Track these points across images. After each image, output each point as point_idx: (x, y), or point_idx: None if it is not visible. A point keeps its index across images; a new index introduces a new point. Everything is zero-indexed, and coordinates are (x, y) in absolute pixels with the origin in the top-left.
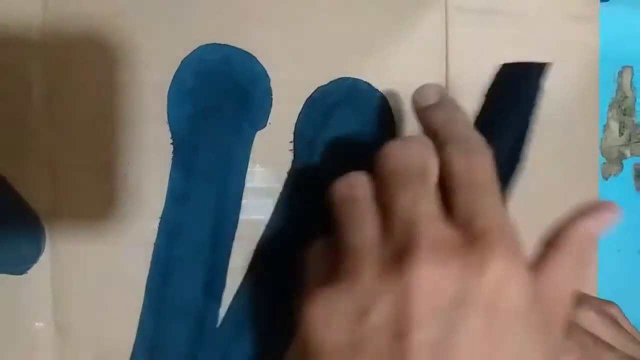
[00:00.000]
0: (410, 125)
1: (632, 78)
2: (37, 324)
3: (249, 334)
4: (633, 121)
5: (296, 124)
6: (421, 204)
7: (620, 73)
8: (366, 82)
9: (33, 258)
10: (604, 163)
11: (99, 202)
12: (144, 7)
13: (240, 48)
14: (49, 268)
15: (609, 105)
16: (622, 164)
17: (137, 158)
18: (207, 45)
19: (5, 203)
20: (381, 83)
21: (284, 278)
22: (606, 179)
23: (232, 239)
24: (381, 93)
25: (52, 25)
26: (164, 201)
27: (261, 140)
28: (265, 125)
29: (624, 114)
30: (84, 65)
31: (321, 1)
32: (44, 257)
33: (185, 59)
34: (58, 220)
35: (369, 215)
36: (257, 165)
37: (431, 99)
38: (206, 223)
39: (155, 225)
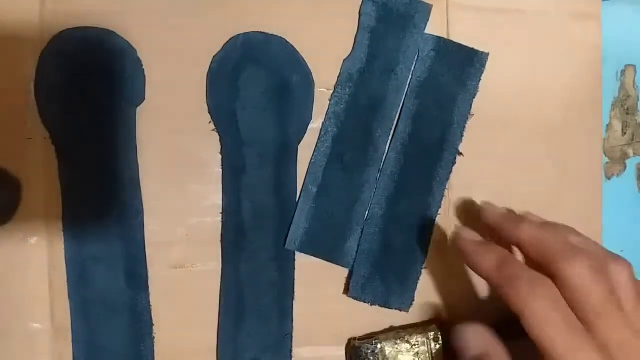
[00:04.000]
0: (322, 63)
1: (635, 77)
2: (34, 325)
3: None
4: (636, 120)
5: (207, 102)
6: None
7: (623, 72)
8: (259, 32)
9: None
10: (606, 163)
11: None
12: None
13: (97, 27)
14: (46, 269)
15: (612, 105)
16: (625, 164)
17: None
18: (60, 32)
19: None
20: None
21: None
22: (609, 179)
23: (142, 224)
24: (280, 37)
25: (49, 23)
26: (158, 200)
27: None
28: (144, 100)
29: (627, 113)
30: None
31: None
32: (42, 259)
33: (42, 53)
34: (56, 220)
35: None
36: None
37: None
38: (111, 214)
39: (153, 225)
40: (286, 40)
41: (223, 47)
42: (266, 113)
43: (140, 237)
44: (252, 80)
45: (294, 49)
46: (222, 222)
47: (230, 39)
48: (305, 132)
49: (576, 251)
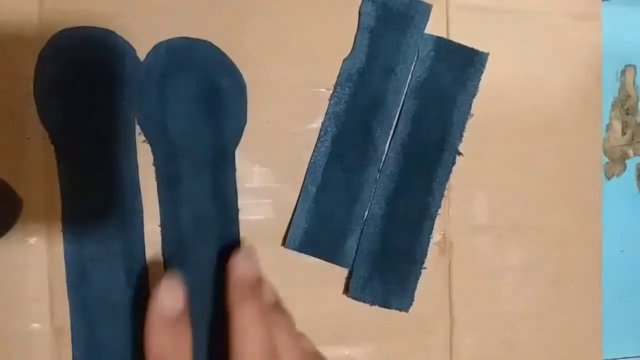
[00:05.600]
0: (322, 63)
1: (635, 77)
2: (33, 324)
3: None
4: (636, 120)
5: (136, 113)
6: None
7: (623, 72)
8: (182, 37)
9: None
10: (606, 163)
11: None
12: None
13: (96, 27)
14: (46, 269)
15: (612, 105)
16: (625, 164)
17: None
18: (59, 32)
19: None
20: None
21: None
22: (609, 179)
23: (142, 224)
24: (205, 40)
25: (48, 23)
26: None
27: (260, 141)
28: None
29: (627, 113)
30: None
31: None
32: (41, 260)
33: (41, 52)
34: (55, 220)
35: None
36: (257, 165)
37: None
38: (110, 214)
39: (152, 226)
40: (211, 43)
41: (146, 55)
42: (198, 120)
43: (140, 236)
44: (180, 87)
45: (220, 51)
46: (161, 234)
47: (154, 46)
48: (241, 135)
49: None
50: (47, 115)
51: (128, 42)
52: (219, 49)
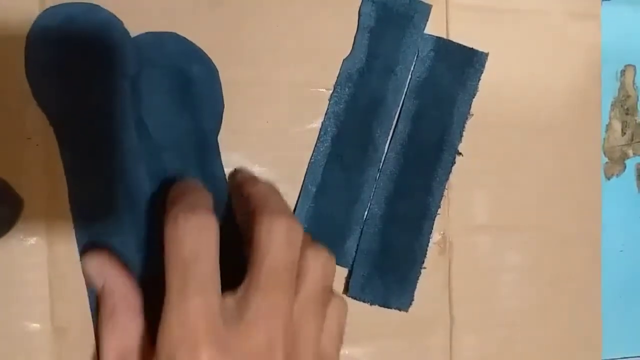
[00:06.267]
0: (322, 63)
1: (634, 77)
2: (34, 325)
3: None
4: (636, 120)
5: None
6: None
7: (623, 72)
8: (147, 32)
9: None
10: (606, 163)
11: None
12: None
13: (79, 2)
14: (46, 269)
15: (612, 105)
16: (624, 164)
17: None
18: (45, 11)
19: None
20: None
21: None
22: (608, 179)
23: (148, 190)
24: (171, 32)
25: None
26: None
27: (260, 141)
28: (134, 72)
29: (627, 113)
30: None
31: None
32: (41, 260)
33: (28, 34)
34: (55, 220)
35: None
36: (257, 165)
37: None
38: (118, 189)
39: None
40: (177, 34)
41: None
42: (174, 111)
43: (149, 205)
44: (152, 83)
45: (187, 40)
46: None
47: None
48: (220, 122)
49: (284, 214)
50: (43, 99)
51: (113, 15)
52: (185, 38)
